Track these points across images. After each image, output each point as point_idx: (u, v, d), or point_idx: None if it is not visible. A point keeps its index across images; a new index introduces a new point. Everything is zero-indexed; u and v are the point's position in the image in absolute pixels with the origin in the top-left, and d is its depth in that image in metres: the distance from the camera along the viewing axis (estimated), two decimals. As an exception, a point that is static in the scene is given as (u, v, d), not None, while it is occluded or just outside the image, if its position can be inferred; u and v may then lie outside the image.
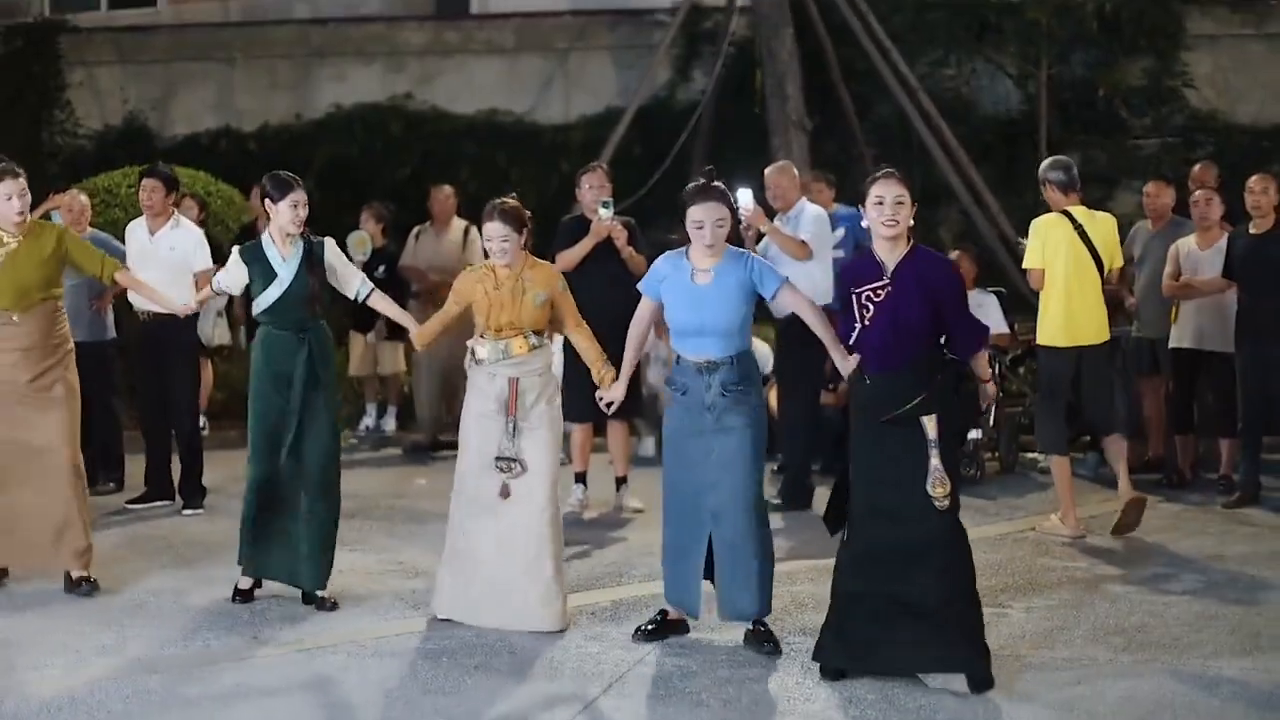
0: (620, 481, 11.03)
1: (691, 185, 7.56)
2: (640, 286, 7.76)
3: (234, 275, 8.47)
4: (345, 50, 20.24)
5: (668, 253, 7.69)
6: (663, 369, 12.63)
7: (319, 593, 8.27)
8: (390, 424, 14.34)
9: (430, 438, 13.64)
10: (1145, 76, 18.46)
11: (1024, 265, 10.15)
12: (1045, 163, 10.51)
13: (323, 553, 8.28)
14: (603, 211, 10.73)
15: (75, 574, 8.62)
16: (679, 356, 7.54)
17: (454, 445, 8.41)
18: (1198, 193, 11.63)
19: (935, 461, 6.73)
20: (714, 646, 7.54)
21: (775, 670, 7.16)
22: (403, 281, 13.70)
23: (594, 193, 10.86)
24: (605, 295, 9.65)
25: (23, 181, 8.61)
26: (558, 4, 20.20)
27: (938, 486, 6.72)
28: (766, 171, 11.68)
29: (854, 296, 6.94)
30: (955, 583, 6.81)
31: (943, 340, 6.97)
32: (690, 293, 7.44)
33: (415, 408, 14.05)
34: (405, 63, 20.06)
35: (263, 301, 8.30)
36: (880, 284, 6.87)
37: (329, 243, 8.51)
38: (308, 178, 17.89)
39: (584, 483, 10.93)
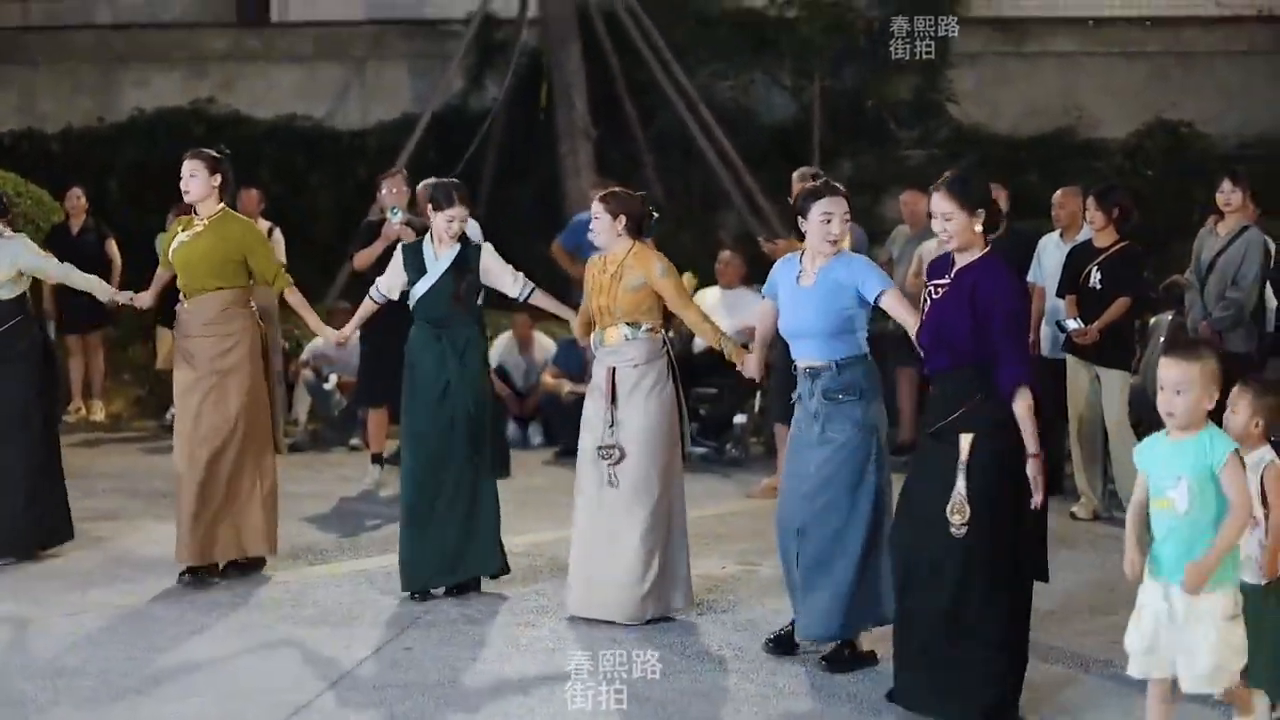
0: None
1: (810, 185, 7.55)
2: (763, 290, 7.79)
3: (392, 277, 8.74)
4: (147, 55, 20.64)
5: (787, 255, 7.68)
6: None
7: (481, 577, 8.59)
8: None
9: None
10: (912, 91, 19.66)
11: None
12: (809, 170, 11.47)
13: (470, 541, 8.49)
14: (392, 216, 11.45)
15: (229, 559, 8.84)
16: (795, 363, 7.48)
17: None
18: (943, 200, 12.63)
19: (960, 485, 6.35)
20: (502, 597, 8.53)
21: (546, 620, 8.10)
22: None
23: (391, 197, 11.60)
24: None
25: (198, 163, 8.80)
26: (355, 14, 20.86)
27: (955, 513, 6.35)
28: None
29: (927, 289, 6.79)
30: (969, 622, 6.46)
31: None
32: (793, 295, 7.39)
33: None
34: (207, 68, 20.54)
35: (413, 295, 8.60)
36: (945, 281, 6.68)
37: (487, 249, 8.71)
38: (111, 180, 18.72)
39: (380, 463, 11.70)
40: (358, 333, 9.47)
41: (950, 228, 6.58)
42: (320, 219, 18.57)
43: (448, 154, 18.17)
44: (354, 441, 13.62)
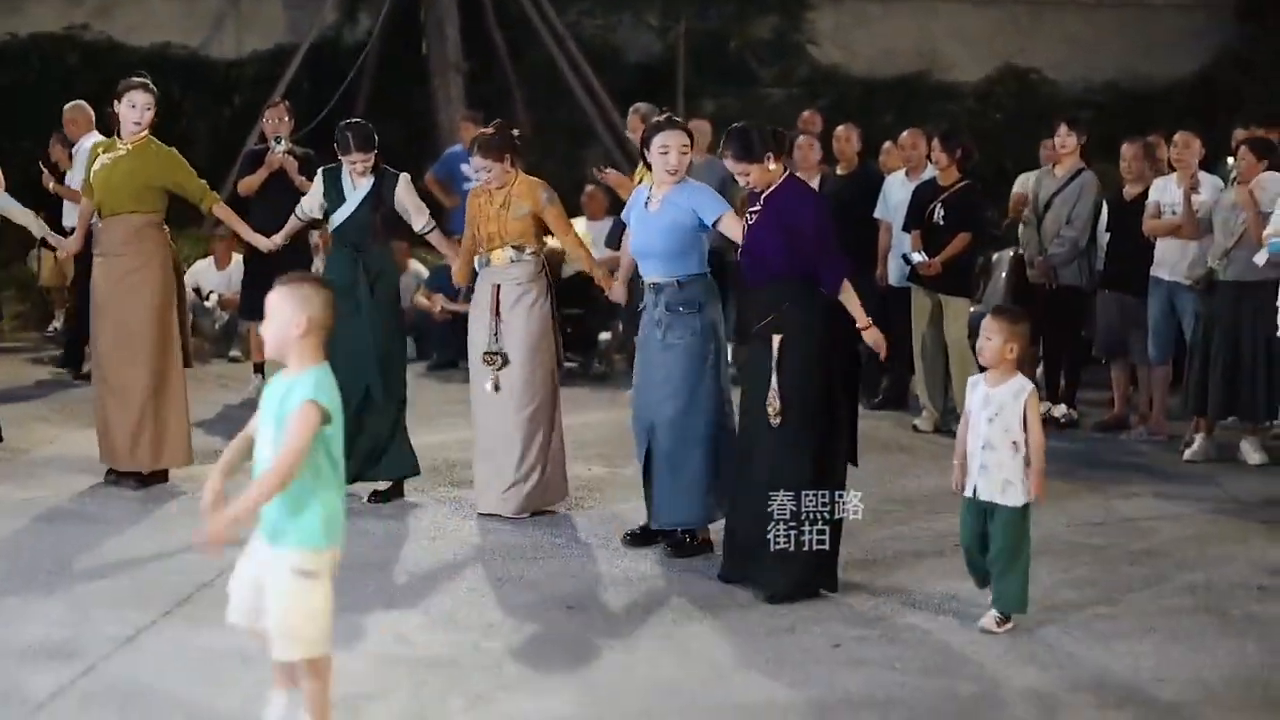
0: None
1: (655, 119, 8.28)
2: (622, 215, 8.55)
3: (314, 196, 9.37)
4: (22, -19, 20.84)
5: (641, 184, 8.42)
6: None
7: (378, 486, 9.14)
8: (78, 327, 15.36)
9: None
10: (773, 32, 20.36)
11: None
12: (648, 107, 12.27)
13: (377, 448, 9.05)
14: (275, 146, 11.93)
15: (130, 468, 9.18)
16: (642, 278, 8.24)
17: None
18: (800, 138, 13.26)
19: (774, 381, 7.21)
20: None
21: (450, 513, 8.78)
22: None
23: (273, 126, 12.07)
24: (283, 219, 9.95)
25: (151, 98, 9.21)
26: (232, -56, 21.17)
27: (769, 404, 7.23)
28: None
29: (745, 216, 7.65)
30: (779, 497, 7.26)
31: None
32: (642, 219, 8.11)
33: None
34: (83, -5, 20.79)
35: (332, 221, 9.25)
36: (756, 208, 7.53)
37: (403, 180, 9.27)
38: (-17, 103, 18.79)
39: (261, 373, 12.19)
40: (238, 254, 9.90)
41: (750, 179, 7.52)
42: (196, 147, 18.83)
43: (322, 85, 18.58)
44: (233, 353, 14.22)
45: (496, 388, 8.72)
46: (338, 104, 17.99)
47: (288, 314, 5.01)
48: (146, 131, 9.32)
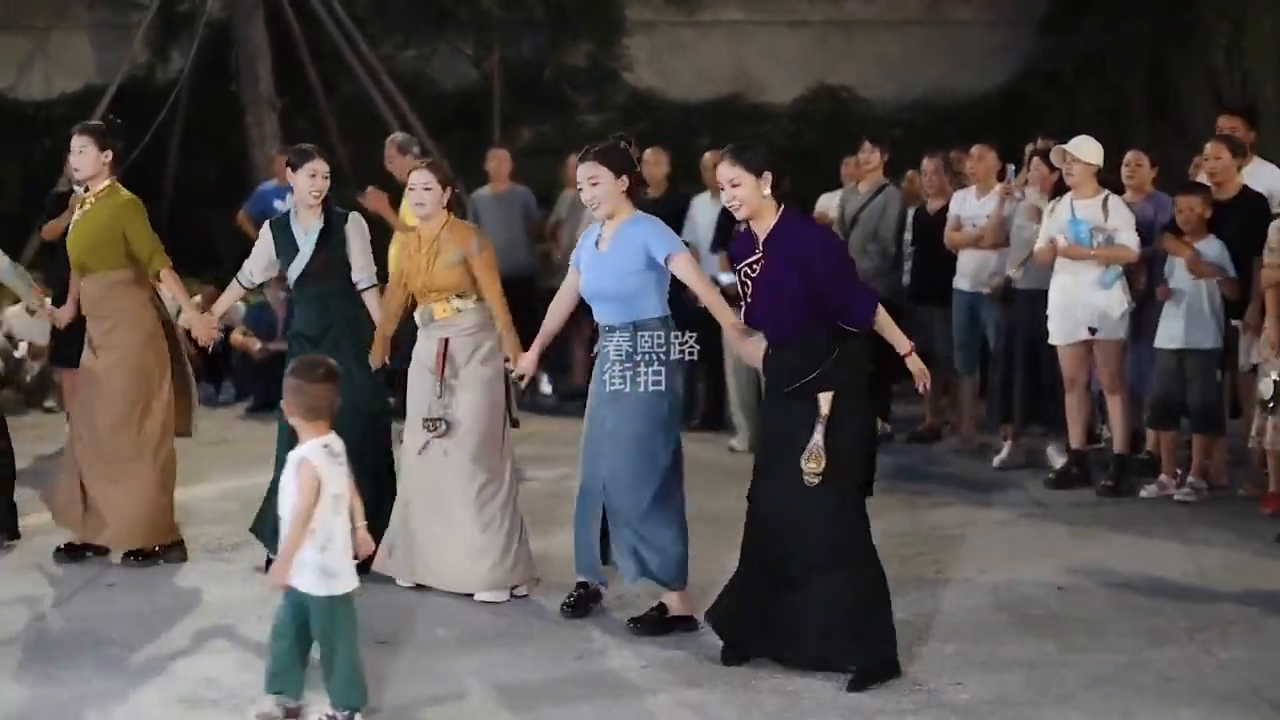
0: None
1: (575, 155, 7.68)
2: (571, 259, 7.67)
3: (260, 256, 8.48)
4: None
5: (591, 225, 7.71)
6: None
7: None
8: None
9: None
10: (588, 59, 20.51)
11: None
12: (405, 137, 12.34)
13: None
14: (79, 188, 11.76)
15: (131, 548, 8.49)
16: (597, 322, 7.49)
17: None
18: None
19: (817, 437, 6.45)
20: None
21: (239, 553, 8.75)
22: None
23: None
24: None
25: (87, 138, 8.38)
26: (37, -17, 20.96)
27: (810, 461, 6.46)
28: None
29: (737, 273, 6.82)
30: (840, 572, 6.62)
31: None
32: (592, 259, 7.42)
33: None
34: (-117, 37, 20.47)
35: (290, 273, 8.37)
36: (755, 258, 6.69)
37: (353, 218, 8.41)
38: None
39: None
40: (49, 301, 9.44)
41: (739, 194, 6.65)
42: (7, 191, 18.64)
43: (134, 126, 18.32)
44: (49, 404, 13.95)
45: (446, 453, 7.88)
46: (150, 144, 17.83)
47: None
48: (111, 180, 8.56)
